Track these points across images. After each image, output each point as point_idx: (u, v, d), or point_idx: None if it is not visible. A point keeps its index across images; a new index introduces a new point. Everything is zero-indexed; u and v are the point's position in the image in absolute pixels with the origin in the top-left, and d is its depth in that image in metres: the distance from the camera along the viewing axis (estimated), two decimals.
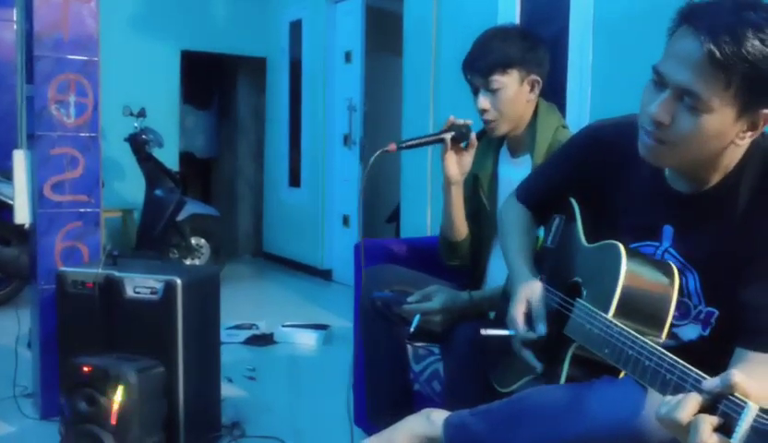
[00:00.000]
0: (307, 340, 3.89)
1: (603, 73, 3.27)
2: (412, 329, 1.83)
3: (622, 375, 1.17)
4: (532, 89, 1.90)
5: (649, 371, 1.03)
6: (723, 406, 0.88)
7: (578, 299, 1.30)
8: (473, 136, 1.90)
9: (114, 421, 2.10)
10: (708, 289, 1.26)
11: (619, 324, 1.14)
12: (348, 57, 5.56)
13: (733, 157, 1.21)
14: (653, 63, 1.18)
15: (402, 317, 1.87)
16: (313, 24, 5.96)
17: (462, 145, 1.90)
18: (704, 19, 1.10)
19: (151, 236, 5.00)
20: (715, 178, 1.23)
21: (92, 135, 2.70)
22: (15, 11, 5.11)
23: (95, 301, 2.34)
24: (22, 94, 3.06)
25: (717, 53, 1.07)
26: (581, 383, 1.24)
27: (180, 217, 5.13)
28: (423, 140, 1.90)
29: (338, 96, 5.69)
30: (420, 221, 4.53)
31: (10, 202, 3.26)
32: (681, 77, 1.12)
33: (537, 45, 1.90)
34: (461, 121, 1.89)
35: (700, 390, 0.91)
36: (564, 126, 1.94)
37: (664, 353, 1.01)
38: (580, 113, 3.32)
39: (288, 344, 3.87)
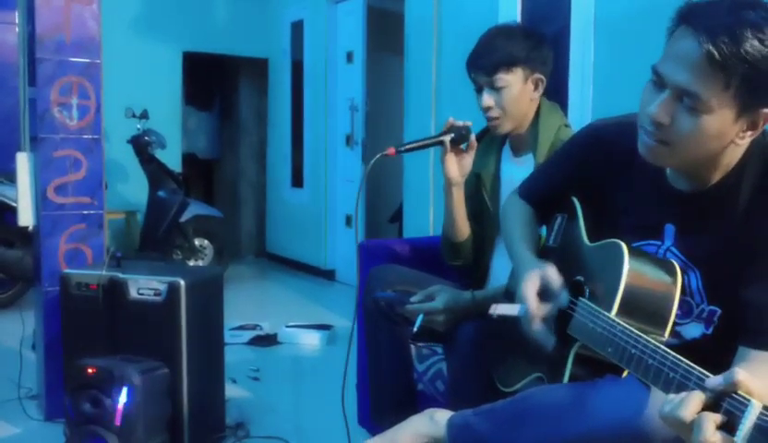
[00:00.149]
0: (311, 340, 3.90)
1: (604, 72, 3.27)
2: (415, 329, 1.83)
3: (625, 374, 1.17)
4: (535, 88, 1.90)
5: (652, 370, 1.03)
6: (726, 404, 0.88)
7: (581, 298, 1.30)
8: (472, 137, 1.89)
9: (118, 422, 2.10)
10: (710, 287, 1.26)
11: (622, 323, 1.14)
12: (350, 57, 5.56)
13: (733, 156, 1.21)
14: (654, 61, 1.18)
15: (406, 317, 1.87)
16: (314, 24, 5.96)
17: (462, 147, 1.89)
18: (703, 19, 1.10)
19: (155, 238, 5.01)
20: (716, 177, 1.23)
21: (95, 137, 2.71)
22: (17, 14, 5.12)
23: (99, 302, 2.35)
24: (24, 97, 3.06)
25: (716, 54, 1.07)
26: (584, 382, 1.24)
27: (183, 218, 5.14)
28: (422, 143, 1.88)
29: (340, 96, 5.70)
30: (423, 220, 4.53)
31: (14, 204, 3.28)
32: (680, 77, 1.12)
33: (541, 44, 1.90)
34: (460, 123, 1.88)
35: (703, 389, 0.92)
36: (566, 125, 1.93)
37: (667, 352, 1.01)
38: (581, 112, 3.31)
39: (292, 345, 3.87)
